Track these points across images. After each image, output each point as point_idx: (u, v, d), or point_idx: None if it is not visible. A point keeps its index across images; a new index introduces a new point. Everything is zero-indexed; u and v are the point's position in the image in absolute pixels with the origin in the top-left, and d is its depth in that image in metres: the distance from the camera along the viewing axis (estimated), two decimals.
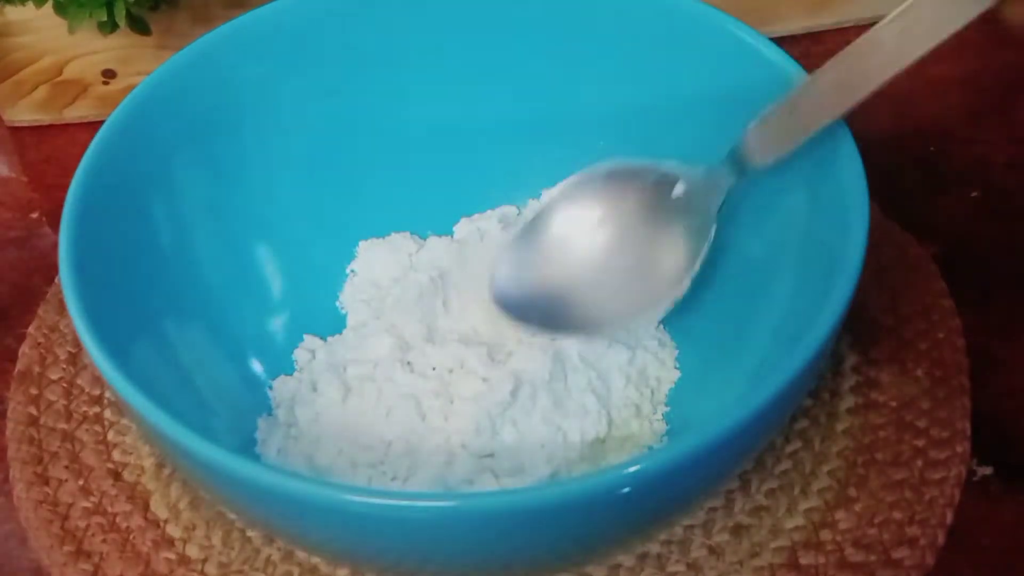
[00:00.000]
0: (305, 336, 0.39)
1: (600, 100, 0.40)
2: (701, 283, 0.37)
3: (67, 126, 0.52)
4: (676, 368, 0.38)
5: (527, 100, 0.40)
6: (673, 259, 0.36)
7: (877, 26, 0.30)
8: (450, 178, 0.41)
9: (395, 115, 0.41)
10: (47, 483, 0.37)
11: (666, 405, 0.37)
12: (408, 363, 0.37)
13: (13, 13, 0.48)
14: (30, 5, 0.46)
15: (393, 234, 0.41)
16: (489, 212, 0.41)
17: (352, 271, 0.41)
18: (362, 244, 0.41)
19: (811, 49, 0.51)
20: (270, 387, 0.38)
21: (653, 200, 0.37)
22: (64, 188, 0.33)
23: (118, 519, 0.36)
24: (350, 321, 0.40)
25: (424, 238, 0.41)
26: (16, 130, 0.52)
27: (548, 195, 0.38)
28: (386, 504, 0.26)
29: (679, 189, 0.36)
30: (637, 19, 0.38)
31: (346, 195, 0.41)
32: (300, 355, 0.39)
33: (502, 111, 0.41)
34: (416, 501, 0.27)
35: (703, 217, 0.35)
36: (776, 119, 0.33)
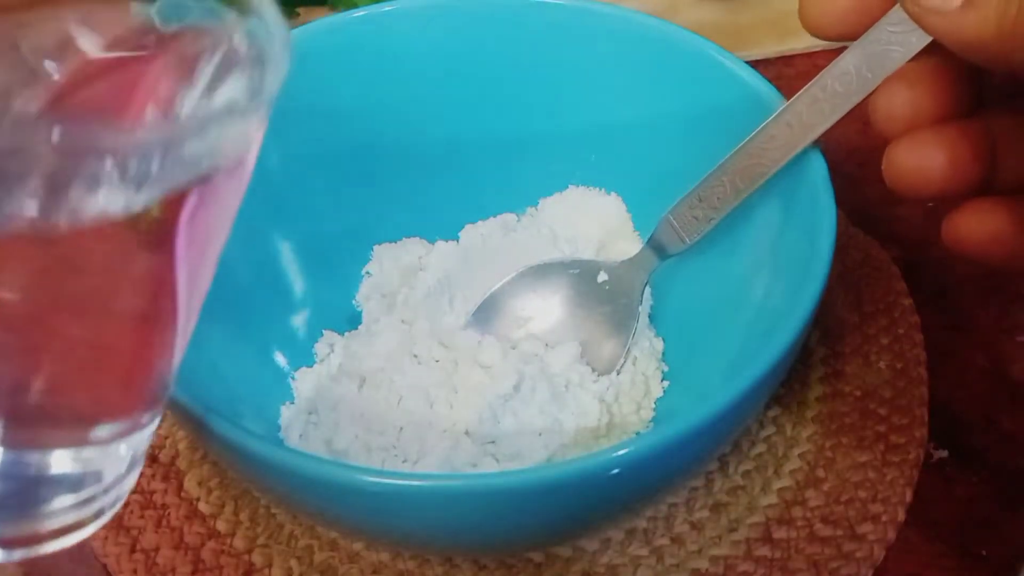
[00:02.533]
0: (324, 331, 0.39)
1: (591, 119, 0.40)
2: (685, 284, 0.38)
3: None
4: (663, 362, 0.38)
5: (525, 119, 0.40)
6: (606, 334, 0.37)
7: (767, 122, 0.31)
8: (456, 189, 0.41)
9: (408, 132, 0.40)
10: None
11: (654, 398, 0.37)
12: (415, 356, 0.37)
13: None
14: None
15: (404, 239, 0.41)
16: (491, 219, 0.41)
17: (367, 272, 0.41)
18: (376, 248, 0.41)
19: (783, 71, 0.51)
20: (293, 378, 0.37)
21: (582, 287, 0.38)
22: None
23: (154, 497, 0.36)
24: (365, 318, 0.40)
25: (432, 242, 0.41)
26: None
27: (492, 292, 0.38)
28: (398, 484, 0.27)
29: (602, 277, 0.37)
30: (627, 46, 0.38)
31: (363, 205, 0.41)
32: (320, 348, 0.38)
33: (503, 129, 0.41)
34: (425, 481, 0.27)
35: (628, 298, 0.37)
36: (686, 209, 0.34)
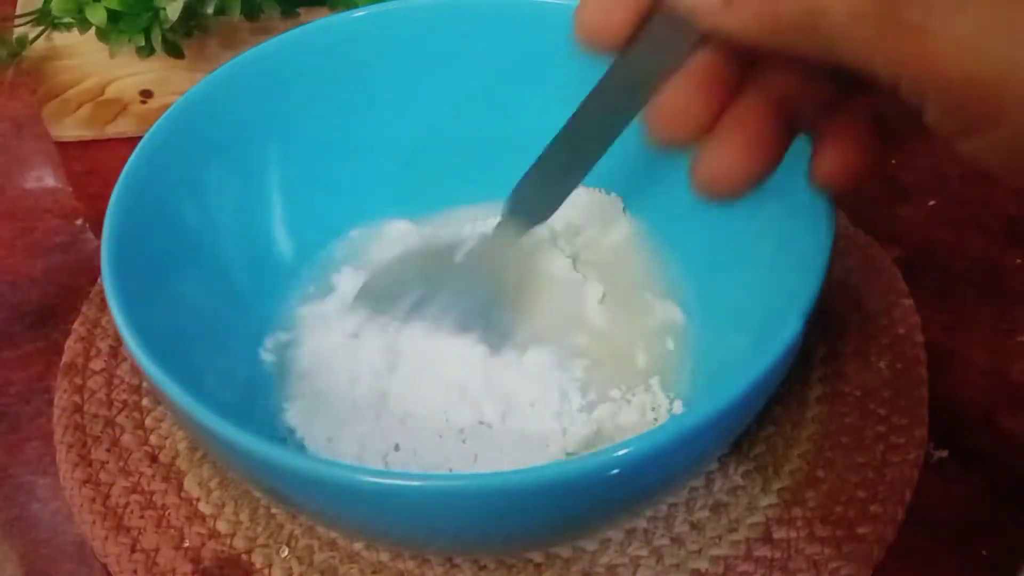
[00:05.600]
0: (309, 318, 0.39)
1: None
2: (685, 282, 0.38)
3: (108, 141, 0.52)
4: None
5: (525, 119, 0.40)
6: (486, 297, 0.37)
7: (591, 92, 0.30)
8: (455, 188, 0.41)
9: (408, 131, 0.41)
10: (90, 465, 0.37)
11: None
12: (398, 349, 0.37)
13: (60, 39, 0.48)
14: (75, 31, 0.47)
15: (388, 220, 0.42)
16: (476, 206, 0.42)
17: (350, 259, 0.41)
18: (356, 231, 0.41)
19: None
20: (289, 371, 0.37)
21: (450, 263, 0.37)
22: (105, 198, 0.33)
23: (155, 497, 0.36)
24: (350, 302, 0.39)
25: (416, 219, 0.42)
26: (62, 145, 0.52)
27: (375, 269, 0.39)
28: (398, 484, 0.26)
29: (462, 251, 0.37)
30: None
31: (350, 188, 0.41)
32: (314, 340, 0.39)
33: (503, 128, 0.41)
34: (425, 482, 0.27)
35: (495, 268, 0.36)
36: (530, 184, 0.33)
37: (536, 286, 0.39)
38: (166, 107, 0.36)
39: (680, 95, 0.27)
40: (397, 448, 0.35)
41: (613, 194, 0.41)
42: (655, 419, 0.35)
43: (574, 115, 0.31)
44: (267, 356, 0.38)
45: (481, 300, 0.37)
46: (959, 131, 0.23)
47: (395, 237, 0.41)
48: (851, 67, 0.23)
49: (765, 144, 0.28)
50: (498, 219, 0.35)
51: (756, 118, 0.27)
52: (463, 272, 0.37)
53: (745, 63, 0.27)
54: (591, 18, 0.27)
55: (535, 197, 0.33)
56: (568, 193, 0.33)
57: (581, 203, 0.41)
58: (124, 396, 0.39)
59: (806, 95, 0.27)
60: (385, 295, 0.37)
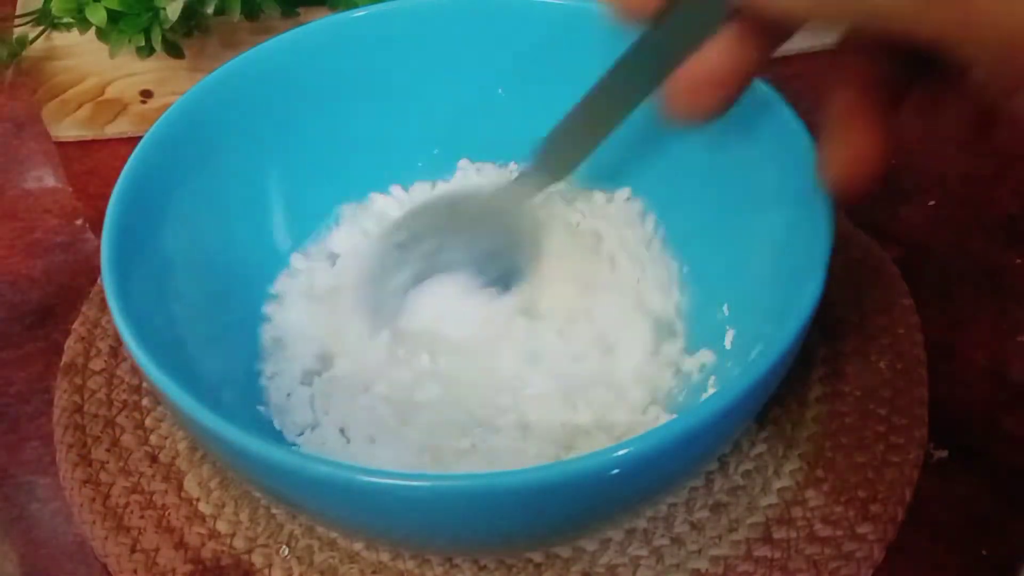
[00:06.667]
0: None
1: None
2: (685, 278, 0.38)
3: (108, 141, 0.52)
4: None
5: (525, 119, 0.40)
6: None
7: (617, 61, 0.31)
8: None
9: (408, 131, 0.41)
10: (90, 465, 0.37)
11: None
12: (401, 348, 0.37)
13: (60, 39, 0.48)
14: (75, 31, 0.46)
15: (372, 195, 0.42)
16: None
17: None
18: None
19: (781, 71, 0.51)
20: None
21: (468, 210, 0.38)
22: (105, 198, 0.33)
23: (154, 497, 0.36)
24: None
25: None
26: (62, 145, 0.52)
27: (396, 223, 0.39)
28: (399, 484, 0.26)
29: (480, 199, 0.38)
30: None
31: (350, 188, 0.41)
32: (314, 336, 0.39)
33: (502, 128, 0.41)
34: (425, 482, 0.27)
35: (515, 216, 0.37)
36: (554, 141, 0.35)
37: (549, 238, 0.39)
38: (166, 107, 0.36)
39: (704, 69, 0.28)
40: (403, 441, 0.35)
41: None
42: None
43: (600, 80, 0.32)
44: (268, 355, 0.38)
45: (498, 246, 0.38)
46: (1007, 89, 0.23)
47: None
48: (894, 34, 0.23)
49: (885, 127, 0.28)
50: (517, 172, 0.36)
51: (867, 106, 0.27)
52: (480, 219, 0.38)
53: (771, 39, 0.27)
54: None
55: (557, 153, 0.35)
56: (588, 153, 0.34)
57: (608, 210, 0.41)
58: (124, 396, 0.39)
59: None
60: (406, 241, 0.38)
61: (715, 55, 0.28)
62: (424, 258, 0.38)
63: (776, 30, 0.27)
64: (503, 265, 0.38)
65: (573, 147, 0.35)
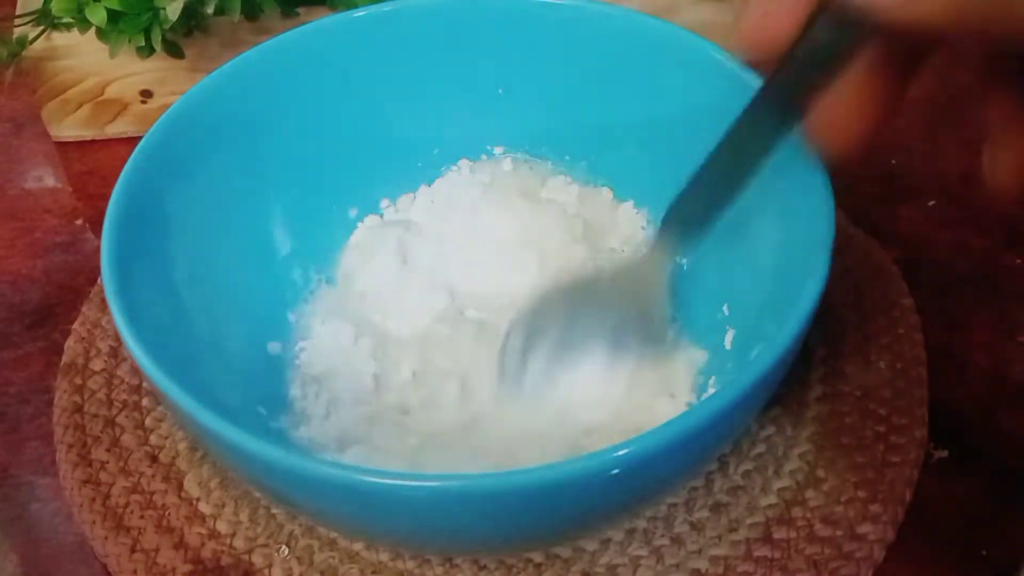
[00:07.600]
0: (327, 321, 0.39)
1: (591, 118, 0.40)
2: (685, 284, 0.38)
3: (108, 141, 0.52)
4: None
5: (524, 118, 0.41)
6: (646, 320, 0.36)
7: (750, 101, 0.29)
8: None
9: (408, 130, 0.41)
10: (90, 465, 0.37)
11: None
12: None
13: (60, 39, 0.48)
14: (75, 31, 0.46)
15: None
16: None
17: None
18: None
19: None
20: (294, 367, 0.38)
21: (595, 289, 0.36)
22: (105, 198, 0.33)
23: (155, 497, 0.36)
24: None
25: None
26: (62, 145, 0.52)
27: (517, 316, 0.36)
28: (398, 484, 0.26)
29: (607, 275, 0.37)
30: (627, 45, 0.38)
31: (351, 188, 0.41)
32: (323, 335, 0.39)
33: (502, 127, 0.41)
34: (425, 482, 0.27)
35: (647, 287, 0.35)
36: (688, 200, 0.32)
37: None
38: (166, 107, 0.36)
39: (849, 100, 0.26)
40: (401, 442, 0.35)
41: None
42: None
43: (732, 125, 0.30)
44: (268, 355, 0.38)
45: (634, 315, 0.36)
46: None
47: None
48: None
49: None
50: (651, 239, 0.34)
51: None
52: (611, 294, 0.36)
53: (912, 61, 0.26)
54: (755, 22, 0.26)
55: (693, 214, 0.32)
56: (726, 207, 0.32)
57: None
58: (124, 396, 0.39)
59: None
60: (533, 333, 0.36)
61: (852, 89, 0.26)
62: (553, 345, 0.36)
63: (912, 54, 0.26)
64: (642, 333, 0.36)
65: (704, 209, 0.32)
